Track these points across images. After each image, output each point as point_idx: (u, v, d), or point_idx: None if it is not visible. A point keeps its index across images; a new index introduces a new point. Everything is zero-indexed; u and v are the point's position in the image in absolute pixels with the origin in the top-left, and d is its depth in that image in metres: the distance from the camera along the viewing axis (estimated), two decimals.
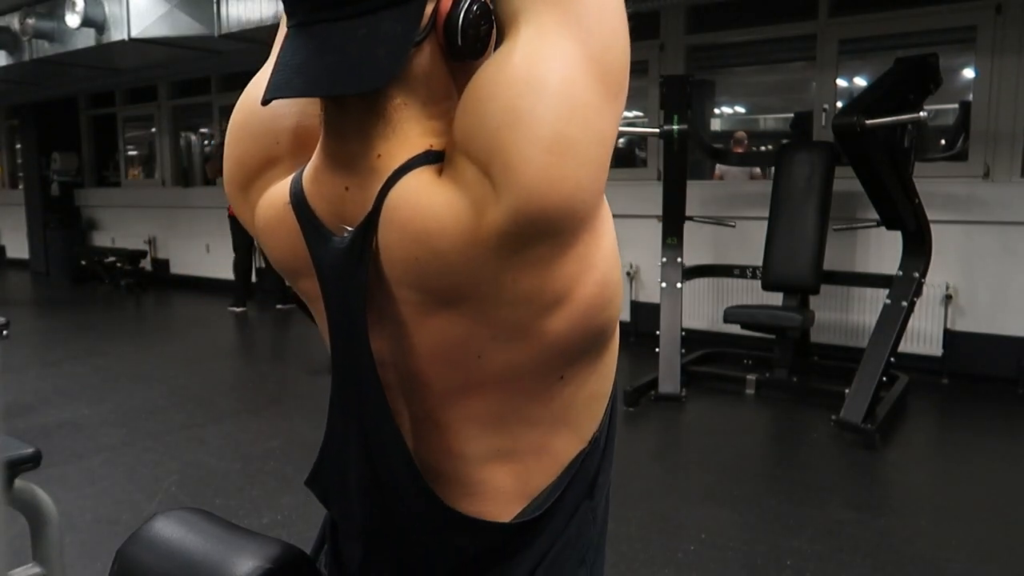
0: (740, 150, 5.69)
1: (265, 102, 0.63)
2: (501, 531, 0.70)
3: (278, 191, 0.74)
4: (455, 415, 0.69)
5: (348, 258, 0.65)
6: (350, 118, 0.65)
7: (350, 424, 0.73)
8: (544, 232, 0.58)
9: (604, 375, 0.73)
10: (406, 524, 0.73)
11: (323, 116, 0.66)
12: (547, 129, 0.57)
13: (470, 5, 0.63)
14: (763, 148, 6.23)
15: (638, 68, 5.26)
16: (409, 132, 0.64)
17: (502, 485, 0.70)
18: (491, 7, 0.64)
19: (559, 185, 0.57)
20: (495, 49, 0.64)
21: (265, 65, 0.79)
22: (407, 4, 0.61)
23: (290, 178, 0.73)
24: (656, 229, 4.44)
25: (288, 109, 0.75)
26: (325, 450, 0.77)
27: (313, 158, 0.70)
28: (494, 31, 0.66)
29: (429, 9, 0.62)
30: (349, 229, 0.65)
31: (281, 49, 0.65)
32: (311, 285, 0.71)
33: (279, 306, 6.58)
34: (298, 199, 0.70)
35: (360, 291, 0.65)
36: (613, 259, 0.65)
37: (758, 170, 5.57)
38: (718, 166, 5.66)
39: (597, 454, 0.75)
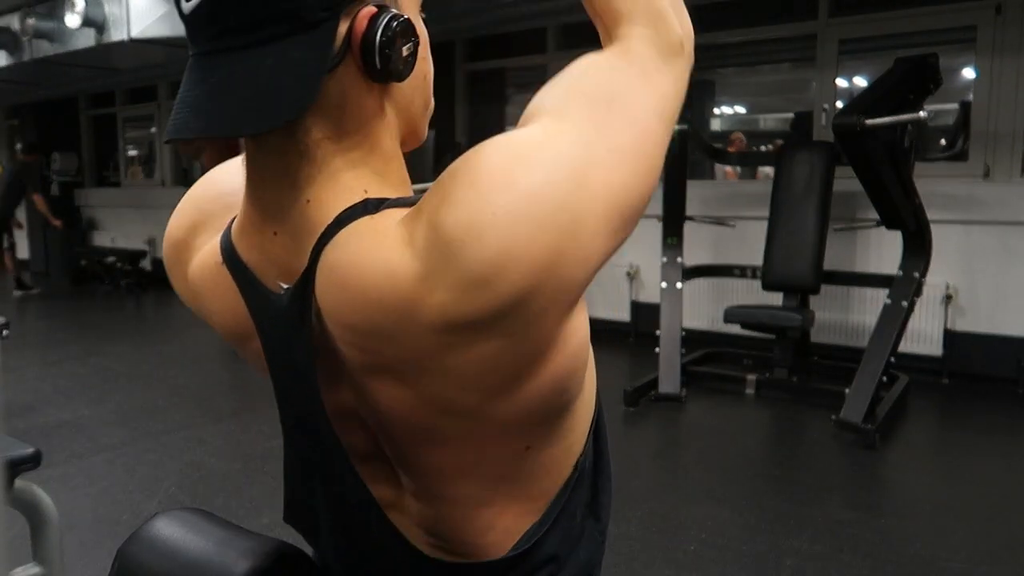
0: (733, 150, 5.67)
1: (167, 142, 0.59)
2: (488, 569, 0.67)
3: (208, 252, 0.70)
4: (428, 464, 0.65)
5: (288, 318, 0.61)
6: (271, 161, 0.60)
7: (315, 478, 0.71)
8: (495, 333, 0.53)
9: (580, 421, 0.69)
10: (382, 570, 0.71)
11: (244, 159, 0.62)
12: (531, 234, 0.51)
13: (388, 22, 0.57)
14: (763, 148, 6.23)
15: None
16: (337, 171, 0.59)
17: (492, 522, 0.67)
18: (412, 25, 0.60)
19: (526, 294, 0.51)
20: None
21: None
22: (315, 29, 0.56)
23: (219, 236, 0.69)
24: (656, 229, 4.44)
25: (224, 183, 0.73)
26: (291, 494, 0.77)
27: (240, 208, 0.65)
28: (422, 48, 0.63)
29: (343, 29, 0.57)
30: (284, 286, 0.61)
31: (183, 83, 0.60)
32: (256, 348, 0.67)
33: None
34: (229, 255, 0.66)
35: (306, 352, 0.61)
36: (580, 352, 0.60)
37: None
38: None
39: (586, 477, 0.72)
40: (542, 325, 0.54)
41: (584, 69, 0.62)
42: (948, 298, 4.25)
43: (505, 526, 0.67)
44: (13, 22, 5.82)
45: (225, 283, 0.67)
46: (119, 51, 5.46)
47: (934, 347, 4.29)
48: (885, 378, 3.57)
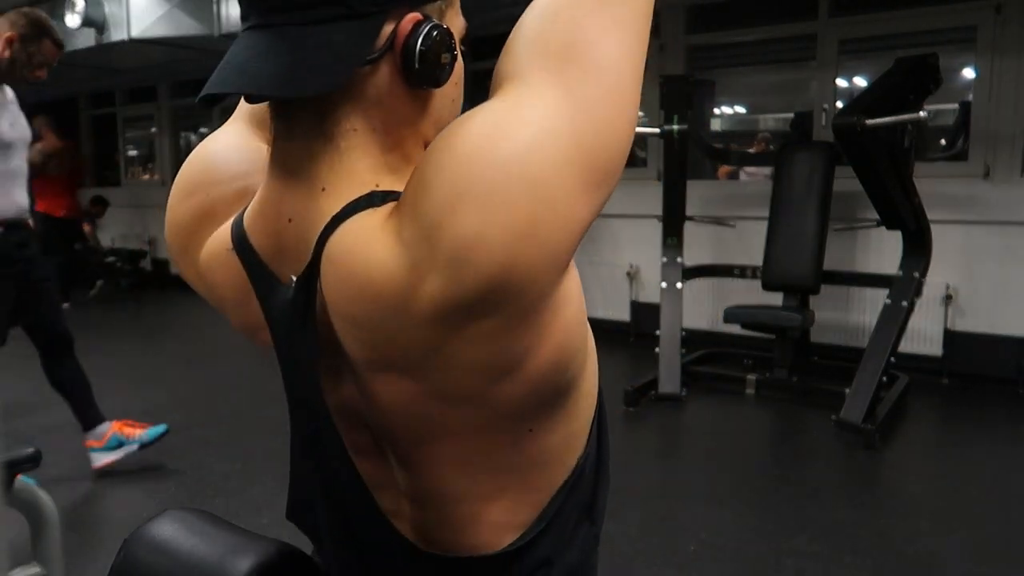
0: (757, 149, 5.62)
1: (200, 99, 0.60)
2: (483, 565, 0.68)
3: (219, 238, 0.70)
4: (429, 460, 0.66)
5: (294, 310, 0.62)
6: (298, 144, 0.61)
7: (314, 471, 0.72)
8: (484, 311, 0.53)
9: (581, 410, 0.70)
10: (378, 564, 0.71)
11: (271, 138, 0.63)
12: (505, 206, 0.51)
13: (429, 30, 0.59)
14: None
15: None
16: (356, 164, 0.60)
17: (491, 519, 0.67)
18: (453, 38, 0.62)
19: (509, 266, 0.52)
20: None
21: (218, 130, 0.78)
22: (364, 20, 0.58)
23: (230, 222, 0.69)
24: (656, 229, 4.44)
25: (228, 167, 0.73)
26: (293, 491, 0.78)
27: (257, 193, 0.67)
28: (458, 64, 0.65)
29: (388, 29, 0.59)
30: (293, 277, 0.62)
31: (228, 51, 0.61)
32: (267, 337, 0.68)
33: None
34: (240, 242, 0.67)
35: (311, 345, 0.62)
36: (575, 326, 0.61)
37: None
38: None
39: (587, 478, 0.72)
40: (531, 296, 0.54)
41: (538, 15, 0.60)
42: (948, 298, 4.25)
43: (503, 521, 0.68)
44: None
45: (235, 270, 0.68)
46: (119, 51, 5.47)
47: (934, 347, 4.29)
48: (885, 378, 3.57)
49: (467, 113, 0.57)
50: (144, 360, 5.05)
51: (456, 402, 0.60)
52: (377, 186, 0.60)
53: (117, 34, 5.21)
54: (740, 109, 6.18)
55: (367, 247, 0.56)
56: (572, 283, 0.60)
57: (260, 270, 0.65)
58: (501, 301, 0.53)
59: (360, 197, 0.59)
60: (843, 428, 3.41)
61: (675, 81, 4.25)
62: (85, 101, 9.34)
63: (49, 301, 2.93)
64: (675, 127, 4.10)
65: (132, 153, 9.38)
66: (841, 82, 4.78)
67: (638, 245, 5.15)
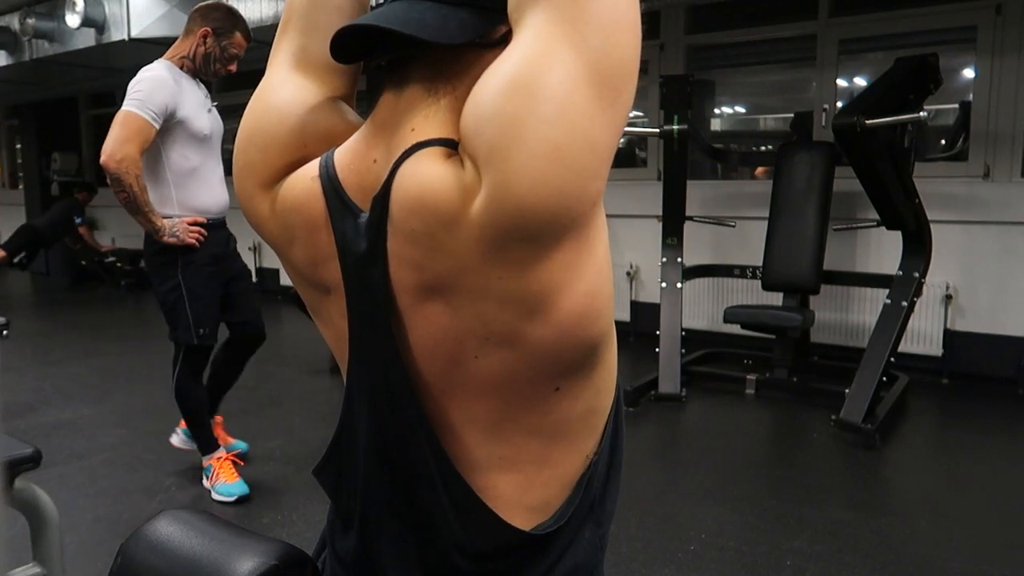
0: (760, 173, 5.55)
1: (345, 30, 0.65)
2: (517, 537, 0.69)
3: (305, 170, 0.73)
4: (457, 418, 0.69)
5: (368, 233, 0.66)
6: (406, 95, 0.68)
7: (371, 411, 0.72)
8: (521, 234, 0.58)
9: (602, 390, 0.72)
10: (420, 508, 0.72)
11: (384, 86, 0.69)
12: (533, 133, 0.56)
13: None
14: (763, 148, 6.23)
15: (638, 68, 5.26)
16: (446, 115, 0.66)
17: (503, 494, 0.69)
18: None
19: (539, 189, 0.57)
20: None
21: (270, 70, 0.78)
22: (485, 12, 0.65)
23: (319, 159, 0.73)
24: (656, 229, 4.44)
25: (307, 115, 0.75)
26: (339, 438, 0.77)
27: (354, 134, 0.72)
28: None
29: (503, 29, 0.65)
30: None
31: (373, 11, 0.68)
32: (330, 271, 0.71)
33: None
34: (328, 172, 0.71)
35: (381, 276, 0.66)
36: (605, 271, 0.64)
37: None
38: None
39: (600, 477, 0.74)
40: (564, 221, 0.58)
41: None
42: (948, 298, 4.25)
43: (515, 499, 0.70)
44: (13, 22, 5.82)
45: (315, 198, 0.71)
46: (119, 51, 5.46)
47: (934, 347, 4.29)
48: (885, 378, 3.57)
49: (489, 70, 0.61)
50: (144, 360, 5.05)
51: (496, 340, 0.63)
52: (456, 136, 0.64)
53: (117, 34, 5.20)
54: (740, 109, 6.17)
55: (431, 168, 0.62)
56: (601, 222, 0.63)
57: (340, 199, 0.69)
58: (531, 223, 0.57)
59: (438, 137, 0.64)
60: (843, 428, 3.41)
61: (675, 81, 4.25)
62: (85, 101, 9.33)
63: (252, 296, 2.92)
64: (675, 127, 4.10)
65: None
66: (841, 82, 4.78)
67: (638, 245, 5.15)
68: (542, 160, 0.56)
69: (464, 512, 0.69)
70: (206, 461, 2.82)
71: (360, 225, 0.67)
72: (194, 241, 2.59)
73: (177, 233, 2.59)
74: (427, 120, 0.66)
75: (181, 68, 2.70)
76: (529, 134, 0.56)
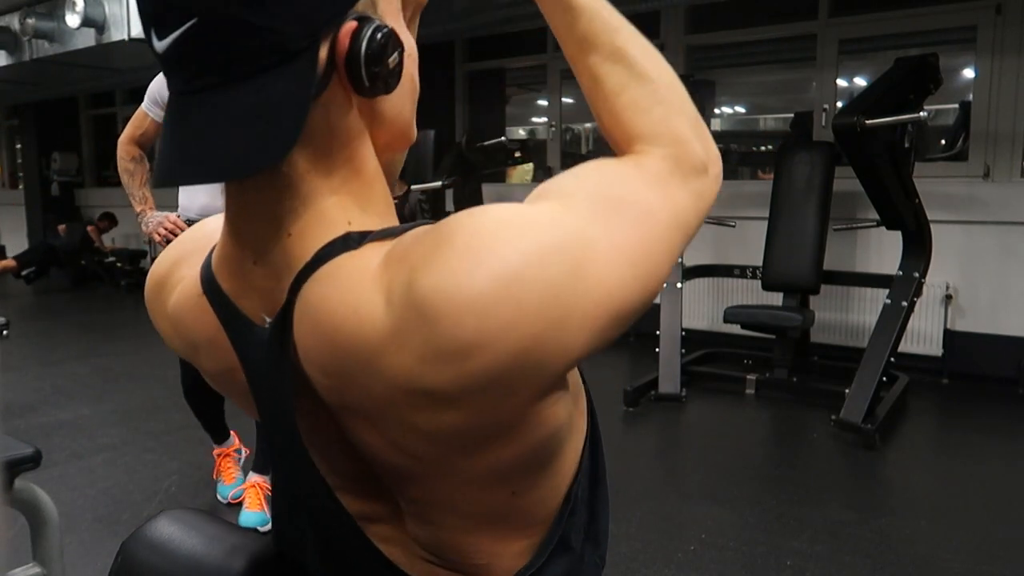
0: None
1: (155, 186, 0.60)
2: None
3: (189, 283, 0.69)
4: (414, 496, 0.64)
5: (269, 352, 0.60)
6: (252, 195, 0.58)
7: (299, 508, 0.71)
8: (466, 403, 0.51)
9: (568, 459, 0.67)
10: None
11: (224, 189, 0.60)
12: (509, 322, 0.48)
13: (372, 35, 0.55)
14: (763, 148, 6.23)
15: None
16: (322, 203, 0.57)
17: (483, 548, 0.66)
18: (395, 34, 0.57)
19: (495, 376, 0.49)
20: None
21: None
22: (298, 58, 0.53)
23: (199, 267, 0.68)
24: None
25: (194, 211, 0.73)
26: (278, 521, 0.77)
27: (220, 237, 0.64)
28: (408, 60, 0.61)
29: (323, 53, 0.55)
30: (267, 319, 0.60)
31: (164, 123, 0.57)
32: (241, 377, 0.65)
33: None
34: (210, 285, 0.65)
35: (287, 388, 0.60)
36: (557, 424, 0.59)
37: None
38: None
39: (582, 504, 0.71)
40: (511, 404, 0.52)
41: (596, 167, 0.60)
42: (948, 298, 4.25)
43: (503, 552, 0.66)
44: (13, 22, 5.81)
45: (206, 314, 0.66)
46: (119, 51, 5.46)
47: (934, 347, 4.29)
48: (885, 378, 3.57)
49: (505, 204, 0.53)
50: (144, 360, 5.04)
51: (420, 461, 0.58)
52: (349, 224, 0.57)
53: (117, 34, 5.20)
54: (740, 109, 6.17)
55: (346, 295, 0.53)
56: (560, 399, 0.58)
57: (231, 312, 0.63)
58: (476, 402, 0.51)
59: (336, 239, 0.56)
60: (843, 428, 3.41)
61: None
62: (85, 101, 9.34)
63: None
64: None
65: None
66: (841, 82, 4.78)
67: None
68: (512, 352, 0.49)
69: None
70: (215, 450, 2.83)
71: (259, 340, 0.61)
72: (159, 237, 2.59)
73: (150, 224, 2.60)
74: (300, 218, 0.57)
75: None
76: (513, 323, 0.48)
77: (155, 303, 0.75)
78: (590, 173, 0.60)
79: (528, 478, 0.63)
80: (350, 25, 0.55)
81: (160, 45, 0.54)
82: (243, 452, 2.94)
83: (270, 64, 0.53)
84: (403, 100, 0.63)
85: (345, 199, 0.58)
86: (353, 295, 0.53)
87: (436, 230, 0.52)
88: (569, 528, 0.69)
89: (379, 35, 0.55)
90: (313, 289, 0.55)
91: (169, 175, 0.55)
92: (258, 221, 0.59)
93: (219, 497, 2.75)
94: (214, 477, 2.82)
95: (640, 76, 0.64)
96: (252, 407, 0.68)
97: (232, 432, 2.90)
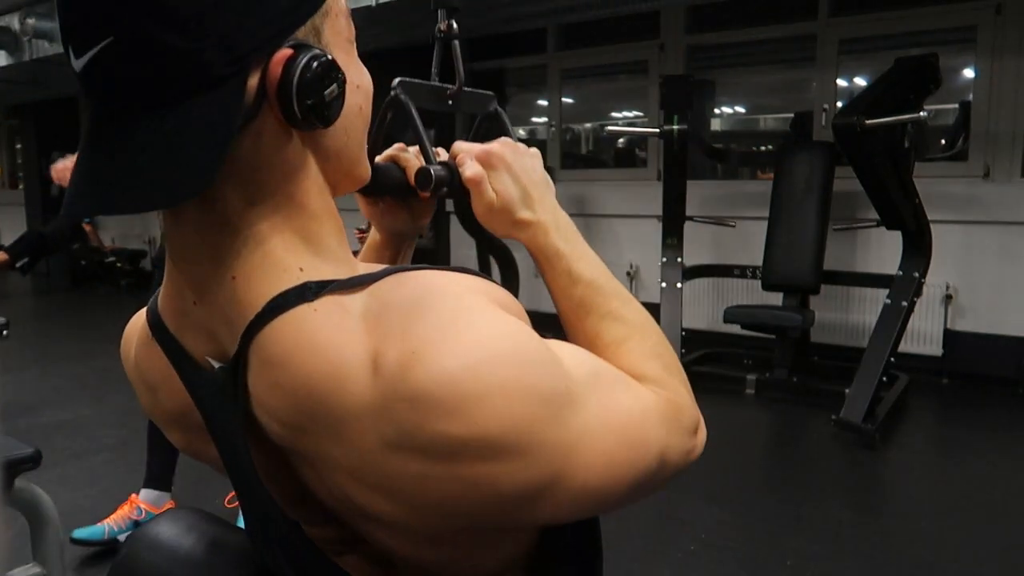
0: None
1: (64, 215, 0.58)
2: None
3: (141, 331, 0.68)
4: (372, 536, 0.61)
5: (223, 399, 0.58)
6: (189, 234, 0.55)
7: (270, 540, 0.69)
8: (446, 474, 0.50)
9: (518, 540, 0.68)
10: None
11: (162, 224, 0.60)
12: (511, 420, 0.48)
13: (307, 64, 0.51)
14: (763, 148, 6.23)
15: (638, 68, 5.27)
16: (264, 241, 0.54)
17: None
18: (335, 65, 0.53)
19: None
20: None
21: None
22: (222, 85, 0.50)
23: (147, 307, 0.66)
24: (656, 229, 4.44)
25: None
26: (254, 546, 0.75)
27: (164, 276, 0.62)
28: (356, 92, 0.58)
29: (254, 82, 0.51)
30: (215, 364, 0.58)
31: (80, 145, 0.53)
32: (199, 419, 0.63)
33: None
34: (157, 326, 0.63)
35: (242, 435, 0.57)
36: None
37: None
38: None
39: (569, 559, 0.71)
40: (493, 491, 0.51)
41: (605, 365, 0.62)
42: (948, 298, 4.25)
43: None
44: (13, 22, 5.81)
45: (157, 358, 0.64)
46: None
47: (934, 347, 4.29)
48: (885, 378, 3.56)
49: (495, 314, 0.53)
50: None
51: (372, 520, 0.56)
52: (302, 270, 0.54)
53: None
54: (740, 109, 6.17)
55: (318, 354, 0.51)
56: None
57: (179, 353, 0.61)
58: (456, 481, 0.50)
59: (291, 290, 0.53)
60: (843, 428, 3.41)
61: (675, 81, 4.25)
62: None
63: None
64: (675, 127, 4.10)
65: None
66: (841, 82, 4.78)
67: (638, 245, 5.14)
68: (507, 448, 0.49)
69: None
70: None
71: (208, 383, 0.59)
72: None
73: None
74: (243, 260, 0.54)
75: None
76: (513, 418, 0.50)
77: (127, 360, 0.74)
78: (601, 361, 0.62)
79: (486, 546, 0.63)
80: (284, 52, 0.52)
81: (77, 64, 0.51)
82: None
83: (192, 90, 0.49)
84: (347, 135, 0.59)
85: (291, 239, 0.55)
86: (328, 355, 0.50)
87: (431, 306, 0.51)
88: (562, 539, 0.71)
89: (315, 64, 0.52)
90: (272, 340, 0.52)
91: (80, 203, 0.50)
92: (199, 261, 0.55)
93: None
94: None
95: (639, 331, 0.69)
96: (212, 447, 0.65)
97: None
